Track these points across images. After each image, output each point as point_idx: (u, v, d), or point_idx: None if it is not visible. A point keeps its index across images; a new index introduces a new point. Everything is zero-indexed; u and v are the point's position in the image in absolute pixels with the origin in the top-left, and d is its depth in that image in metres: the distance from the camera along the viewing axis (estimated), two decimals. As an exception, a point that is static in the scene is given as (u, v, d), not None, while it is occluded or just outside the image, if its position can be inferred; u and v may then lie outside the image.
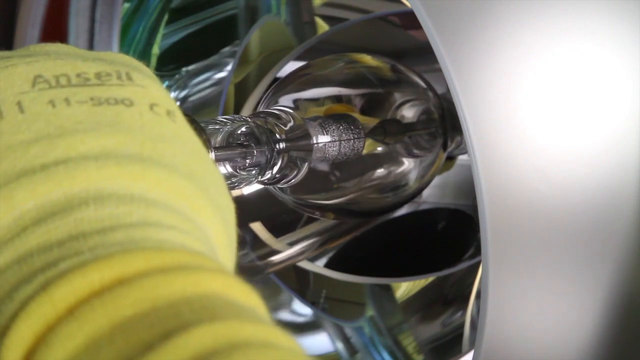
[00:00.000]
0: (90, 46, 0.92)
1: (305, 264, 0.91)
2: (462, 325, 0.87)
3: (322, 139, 0.76)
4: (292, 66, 0.90)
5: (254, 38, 0.92)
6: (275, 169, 0.72)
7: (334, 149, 0.76)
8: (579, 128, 0.56)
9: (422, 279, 0.90)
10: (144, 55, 0.94)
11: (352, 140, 0.77)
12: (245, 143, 0.70)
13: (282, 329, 0.34)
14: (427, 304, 0.91)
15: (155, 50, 0.94)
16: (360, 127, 0.78)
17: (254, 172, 0.70)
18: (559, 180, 0.56)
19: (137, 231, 0.35)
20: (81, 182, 0.36)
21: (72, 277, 0.33)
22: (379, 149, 0.80)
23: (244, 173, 0.70)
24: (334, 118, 0.78)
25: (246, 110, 0.92)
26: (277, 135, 0.72)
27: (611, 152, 0.56)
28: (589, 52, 0.56)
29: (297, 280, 0.92)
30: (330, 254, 0.92)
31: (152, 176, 0.37)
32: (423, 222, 0.91)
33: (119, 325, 0.32)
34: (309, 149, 0.75)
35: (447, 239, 0.90)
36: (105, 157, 0.37)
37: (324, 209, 0.83)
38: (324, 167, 0.79)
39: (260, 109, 0.79)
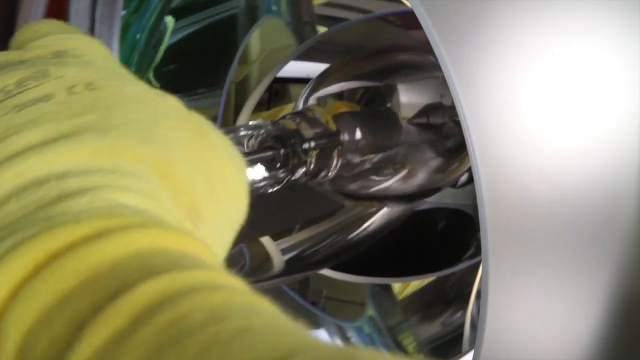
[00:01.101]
0: (90, 46, 0.92)
1: (305, 264, 0.91)
2: (462, 325, 0.87)
3: (353, 135, 0.77)
4: (292, 66, 0.90)
5: (254, 38, 0.92)
6: (305, 168, 0.73)
7: (368, 142, 0.77)
8: (579, 128, 0.56)
9: (422, 279, 0.90)
10: (144, 55, 0.94)
11: (387, 132, 0.78)
12: (272, 146, 0.72)
13: (227, 271, 0.35)
14: (427, 304, 0.91)
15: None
16: (396, 116, 0.79)
17: (283, 172, 0.72)
18: (559, 180, 0.56)
19: (53, 209, 0.36)
20: (5, 181, 0.38)
21: (3, 267, 0.34)
22: (420, 135, 0.81)
23: (277, 174, 0.71)
24: (368, 111, 0.79)
25: (246, 110, 0.92)
26: (305, 136, 0.73)
27: (611, 152, 0.56)
28: (589, 52, 0.56)
29: (297, 280, 0.92)
30: (330, 254, 0.92)
31: (64, 152, 0.39)
32: (423, 222, 0.91)
33: (65, 297, 0.33)
34: (339, 145, 0.76)
35: (447, 239, 0.90)
36: (25, 152, 0.39)
37: (364, 197, 0.83)
38: (360, 158, 0.79)
39: (300, 103, 0.81)
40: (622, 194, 0.56)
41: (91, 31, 0.91)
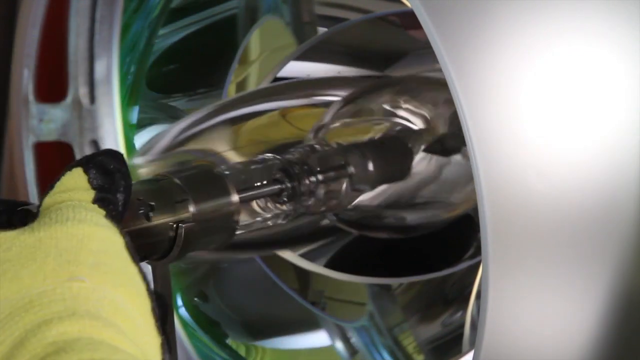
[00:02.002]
0: (91, 45, 0.92)
1: (305, 264, 0.91)
2: (462, 325, 0.87)
3: (361, 167, 0.77)
4: (292, 66, 0.90)
5: (254, 38, 0.92)
6: (313, 201, 0.74)
7: (377, 174, 0.78)
8: (579, 128, 0.56)
9: (422, 279, 0.90)
10: (144, 55, 0.94)
11: (397, 163, 0.79)
12: (279, 179, 0.73)
13: None
14: (427, 304, 0.91)
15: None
16: (408, 146, 0.80)
17: (291, 206, 0.74)
18: (559, 180, 0.56)
19: None
20: None
21: None
22: (435, 163, 0.81)
23: (284, 207, 0.73)
24: (378, 142, 0.79)
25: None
26: (312, 169, 0.75)
27: (610, 152, 0.56)
28: (589, 53, 0.56)
29: (297, 280, 0.92)
30: (330, 254, 0.92)
31: None
32: (423, 222, 0.91)
33: None
34: (347, 177, 0.77)
35: (447, 239, 0.90)
36: None
37: (372, 228, 0.84)
38: (369, 190, 0.80)
39: (311, 134, 0.81)
40: (622, 194, 0.56)
41: (91, 31, 0.91)
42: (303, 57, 0.90)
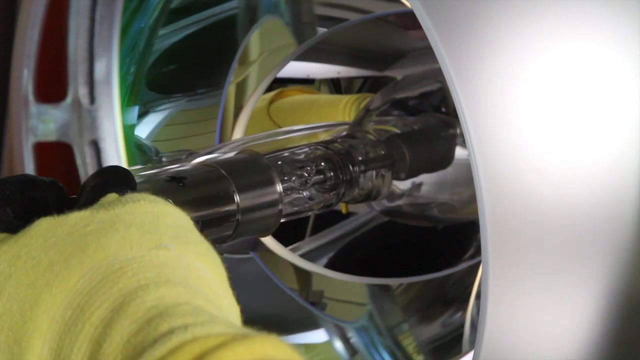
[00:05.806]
0: (91, 46, 0.92)
1: (305, 264, 0.91)
2: (462, 326, 0.87)
3: (403, 158, 0.78)
4: (292, 66, 0.90)
5: (254, 38, 0.92)
6: (356, 190, 0.76)
7: (419, 164, 0.79)
8: (579, 128, 0.56)
9: (422, 279, 0.90)
10: (144, 55, 0.94)
11: (439, 154, 0.80)
12: (323, 168, 0.74)
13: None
14: (427, 304, 0.91)
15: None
16: (450, 137, 0.80)
17: (334, 194, 0.75)
18: (559, 181, 0.56)
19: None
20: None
21: None
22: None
23: (328, 196, 0.75)
24: (421, 132, 0.80)
25: (246, 110, 0.92)
26: (355, 159, 0.76)
27: (612, 153, 0.56)
28: (589, 52, 0.56)
29: (297, 280, 0.92)
30: (330, 254, 0.92)
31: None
32: (423, 222, 0.91)
33: None
34: (388, 165, 0.77)
35: (447, 239, 0.90)
36: None
37: (411, 217, 0.85)
38: (410, 180, 0.81)
39: (371, 107, 0.82)
40: (622, 195, 0.56)
41: (91, 31, 0.91)
42: (303, 57, 0.90)
